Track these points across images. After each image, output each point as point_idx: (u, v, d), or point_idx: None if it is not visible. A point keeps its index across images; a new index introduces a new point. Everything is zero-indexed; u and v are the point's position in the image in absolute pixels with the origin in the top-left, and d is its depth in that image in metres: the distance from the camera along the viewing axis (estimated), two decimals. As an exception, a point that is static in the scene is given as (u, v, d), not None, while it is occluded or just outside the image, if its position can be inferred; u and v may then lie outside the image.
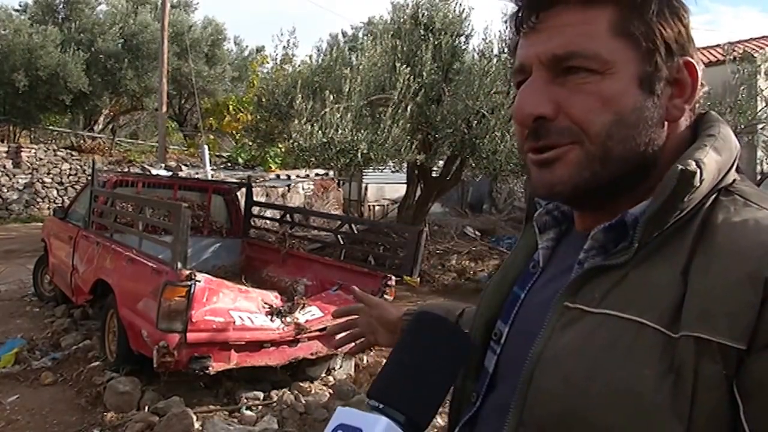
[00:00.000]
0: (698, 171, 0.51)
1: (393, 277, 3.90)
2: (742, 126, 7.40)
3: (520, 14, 0.56)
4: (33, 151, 12.31)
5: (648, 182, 0.55)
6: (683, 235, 0.51)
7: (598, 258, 0.55)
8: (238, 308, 3.32)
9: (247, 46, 20.01)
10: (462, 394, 0.67)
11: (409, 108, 5.71)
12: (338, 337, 1.00)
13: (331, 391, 3.63)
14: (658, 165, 0.55)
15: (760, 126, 7.99)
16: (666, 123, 0.55)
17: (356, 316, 0.99)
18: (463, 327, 0.88)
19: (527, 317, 0.60)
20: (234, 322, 3.24)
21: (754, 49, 9.83)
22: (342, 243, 4.68)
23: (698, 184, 0.51)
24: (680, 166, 0.51)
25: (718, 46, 9.13)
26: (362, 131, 5.49)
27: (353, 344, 1.00)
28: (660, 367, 0.46)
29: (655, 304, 0.49)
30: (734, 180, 0.55)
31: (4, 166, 11.73)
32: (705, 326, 0.45)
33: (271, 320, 3.41)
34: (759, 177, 8.82)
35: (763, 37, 11.75)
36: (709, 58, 10.64)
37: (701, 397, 0.45)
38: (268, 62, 11.04)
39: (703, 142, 0.54)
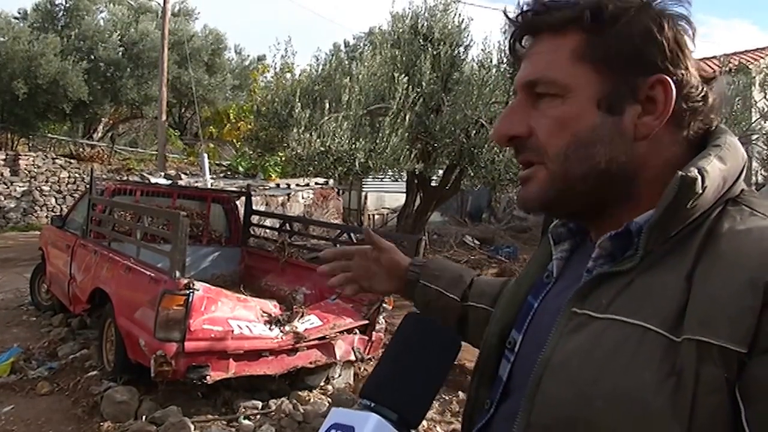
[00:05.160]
0: (699, 178, 0.52)
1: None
2: (737, 136, 7.47)
3: (513, 42, 0.62)
4: (31, 159, 12.29)
5: (647, 194, 0.57)
6: (689, 243, 0.52)
7: (605, 266, 0.57)
8: (236, 317, 3.31)
9: (248, 55, 20.11)
10: (475, 402, 0.68)
11: (408, 117, 5.74)
12: (331, 277, 0.98)
13: (329, 400, 3.61)
14: (652, 177, 0.57)
15: (754, 137, 8.05)
16: (635, 140, 0.56)
17: (350, 262, 0.97)
18: (473, 299, 0.90)
19: (539, 325, 0.62)
20: (232, 331, 3.23)
21: (748, 61, 9.93)
22: (341, 252, 4.67)
23: (700, 190, 0.52)
24: (681, 173, 0.52)
25: (714, 57, 9.22)
26: (360, 140, 5.51)
27: (344, 288, 0.98)
28: (661, 371, 0.47)
29: (659, 309, 0.50)
30: (742, 190, 0.57)
31: (2, 174, 11.72)
32: (707, 330, 0.46)
33: (269, 329, 3.40)
34: (753, 187, 8.86)
35: (758, 49, 11.88)
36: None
37: (702, 400, 0.46)
38: (268, 71, 11.11)
39: (707, 152, 0.55)
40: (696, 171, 0.52)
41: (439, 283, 0.92)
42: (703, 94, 0.58)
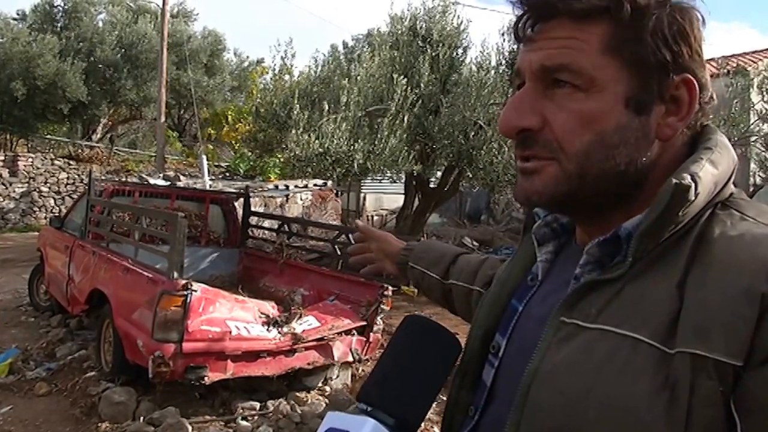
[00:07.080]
0: (693, 185, 0.50)
1: (390, 287, 3.90)
2: (735, 138, 7.47)
3: (520, 24, 0.57)
4: (30, 160, 12.28)
5: (642, 195, 0.55)
6: (679, 248, 0.51)
7: (594, 273, 0.55)
8: (234, 318, 3.31)
9: (247, 57, 20.15)
10: (456, 406, 0.66)
11: (406, 119, 5.75)
12: (355, 258, 1.13)
13: (327, 401, 3.62)
14: (651, 179, 0.55)
15: (752, 139, 8.06)
16: (656, 141, 0.54)
17: (369, 244, 1.11)
18: (454, 276, 0.95)
19: (525, 331, 0.60)
20: (230, 332, 3.23)
21: (747, 63, 9.96)
22: (339, 253, 4.68)
23: (693, 197, 0.50)
24: (674, 180, 0.50)
25: (712, 60, 9.25)
26: (359, 141, 5.52)
27: (368, 267, 1.12)
28: (654, 383, 0.46)
29: (650, 319, 0.48)
30: (731, 194, 0.55)
31: (1, 175, 11.71)
32: (701, 343, 0.45)
33: (267, 330, 3.40)
34: (752, 189, 8.88)
35: (756, 51, 11.91)
36: (703, 72, 10.76)
37: (697, 413, 0.44)
38: (267, 73, 11.12)
39: (699, 155, 0.53)
40: (689, 178, 0.50)
41: (422, 264, 1.00)
42: (711, 94, 0.56)
